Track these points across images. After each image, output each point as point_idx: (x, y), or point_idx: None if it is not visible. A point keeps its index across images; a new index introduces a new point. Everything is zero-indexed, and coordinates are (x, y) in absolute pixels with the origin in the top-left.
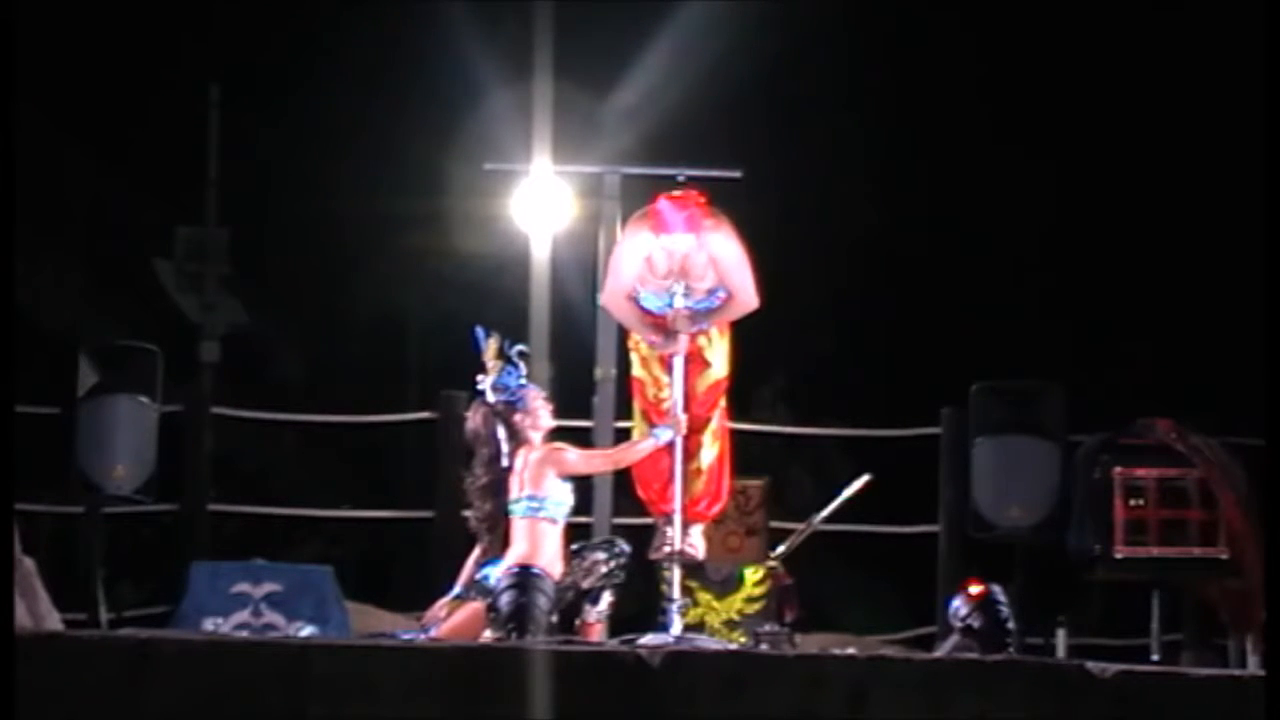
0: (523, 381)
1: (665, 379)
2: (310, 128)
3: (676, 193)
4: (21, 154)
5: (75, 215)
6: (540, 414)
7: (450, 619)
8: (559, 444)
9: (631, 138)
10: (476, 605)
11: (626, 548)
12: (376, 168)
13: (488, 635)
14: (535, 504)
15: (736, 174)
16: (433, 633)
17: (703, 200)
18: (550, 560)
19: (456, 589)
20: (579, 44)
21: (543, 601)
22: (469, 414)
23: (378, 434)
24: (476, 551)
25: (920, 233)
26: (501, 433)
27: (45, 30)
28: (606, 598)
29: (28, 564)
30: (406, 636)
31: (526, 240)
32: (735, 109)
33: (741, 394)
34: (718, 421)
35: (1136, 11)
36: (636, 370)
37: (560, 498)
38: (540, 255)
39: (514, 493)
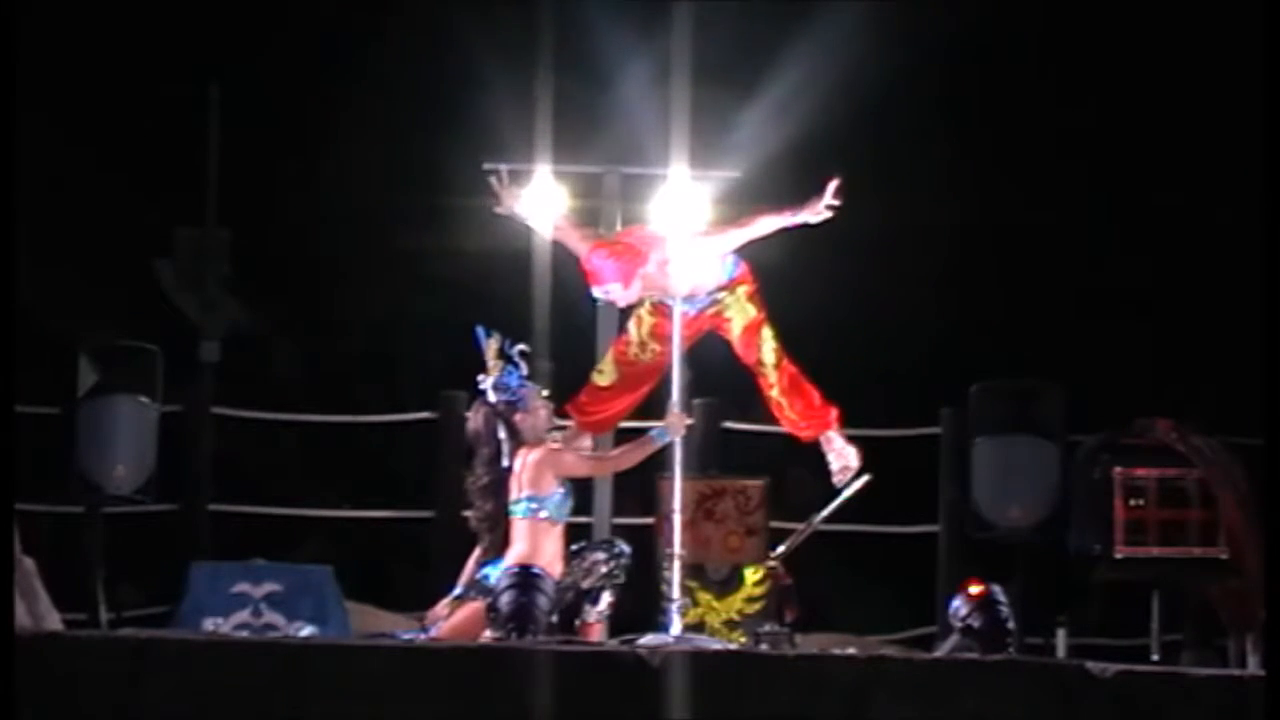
0: (524, 381)
1: (653, 346)
2: (310, 128)
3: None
4: (21, 154)
5: (75, 215)
6: (541, 414)
7: (450, 619)
8: (558, 445)
9: (632, 137)
10: (476, 605)
11: (626, 548)
12: (376, 167)
13: (488, 635)
14: (535, 504)
15: (735, 173)
16: (433, 633)
17: (627, 242)
18: (550, 560)
19: (458, 589)
20: (584, 44)
21: (543, 601)
22: (470, 414)
23: (378, 434)
24: (477, 551)
25: (920, 232)
26: (502, 433)
27: (45, 30)
28: (606, 598)
29: (28, 564)
30: (407, 636)
31: (527, 239)
32: (727, 109)
33: (741, 394)
34: (772, 356)
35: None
36: (630, 326)
37: (560, 498)
38: (540, 255)
39: (514, 493)
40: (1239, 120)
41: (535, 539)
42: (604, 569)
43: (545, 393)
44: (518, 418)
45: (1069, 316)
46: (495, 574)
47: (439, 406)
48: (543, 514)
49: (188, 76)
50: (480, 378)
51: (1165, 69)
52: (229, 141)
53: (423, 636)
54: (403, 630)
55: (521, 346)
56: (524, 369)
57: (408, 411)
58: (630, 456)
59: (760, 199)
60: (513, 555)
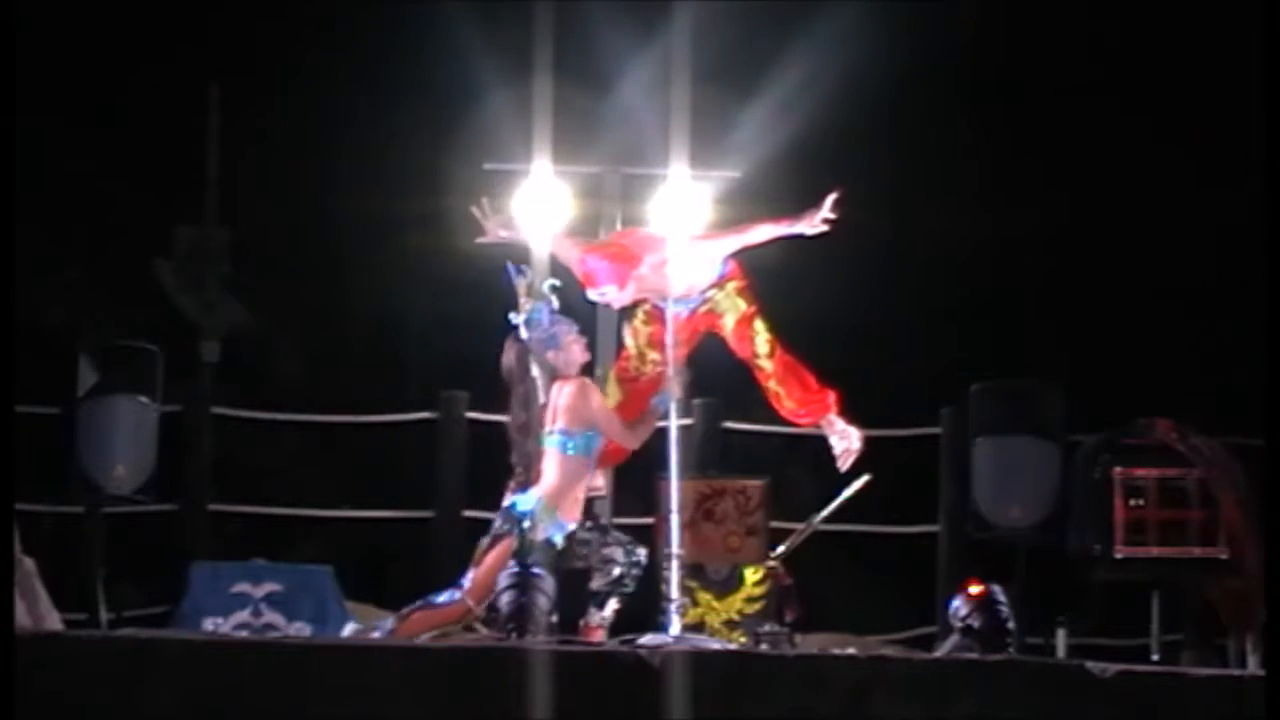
0: (557, 317)
1: (652, 356)
2: (310, 128)
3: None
4: (22, 153)
5: (75, 215)
6: (575, 350)
7: (485, 560)
8: (591, 383)
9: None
10: (508, 541)
11: (643, 558)
12: (376, 167)
13: (485, 633)
14: (566, 438)
15: (735, 174)
16: (470, 575)
17: (621, 244)
18: (576, 497)
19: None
20: (585, 44)
21: (543, 601)
22: (504, 351)
23: (378, 434)
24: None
25: (920, 232)
26: (535, 370)
27: (45, 30)
28: (612, 604)
29: (28, 564)
30: (441, 599)
31: (526, 240)
32: (727, 109)
33: (741, 394)
34: (766, 347)
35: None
36: (627, 340)
37: (591, 436)
38: (540, 255)
39: (548, 424)
40: (1242, 121)
41: (566, 472)
42: (616, 571)
43: (578, 327)
44: (550, 354)
45: (1069, 316)
46: (523, 502)
47: (439, 406)
48: (572, 449)
49: (188, 76)
50: (512, 314)
51: (1168, 70)
52: (229, 141)
53: (458, 593)
54: (438, 593)
55: (553, 281)
56: (555, 304)
57: (408, 411)
58: (643, 429)
59: (760, 199)
60: (542, 486)
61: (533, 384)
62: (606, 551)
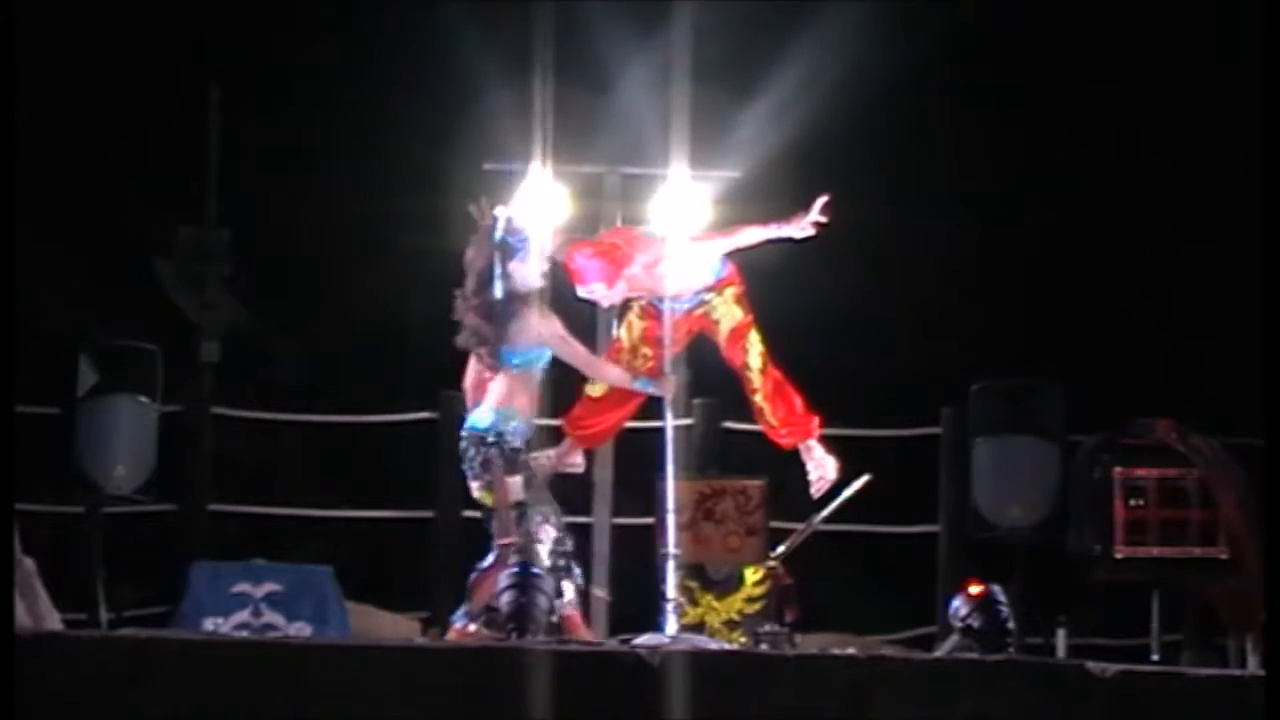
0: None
1: (644, 352)
2: (309, 128)
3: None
4: (21, 154)
5: (75, 215)
6: (535, 269)
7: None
8: (550, 315)
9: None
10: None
11: (570, 546)
12: (376, 167)
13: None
14: (511, 354)
15: (735, 174)
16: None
17: (611, 241)
18: (526, 404)
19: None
20: (585, 44)
21: (543, 601)
22: (469, 247)
23: (378, 434)
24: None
25: (919, 232)
26: (498, 268)
27: (45, 30)
28: (567, 588)
29: (28, 564)
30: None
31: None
32: (727, 109)
33: (741, 394)
34: (759, 361)
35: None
36: (620, 332)
37: (535, 353)
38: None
39: (516, 346)
40: (1241, 120)
41: (509, 385)
42: (544, 554)
43: (549, 252)
44: (513, 264)
45: (1069, 316)
46: (480, 419)
47: (439, 406)
48: (516, 364)
49: (188, 76)
50: (496, 210)
51: (1167, 70)
52: (229, 141)
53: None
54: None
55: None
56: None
57: (408, 411)
58: (609, 375)
59: (760, 199)
60: (490, 399)
61: (490, 273)
62: (543, 529)
